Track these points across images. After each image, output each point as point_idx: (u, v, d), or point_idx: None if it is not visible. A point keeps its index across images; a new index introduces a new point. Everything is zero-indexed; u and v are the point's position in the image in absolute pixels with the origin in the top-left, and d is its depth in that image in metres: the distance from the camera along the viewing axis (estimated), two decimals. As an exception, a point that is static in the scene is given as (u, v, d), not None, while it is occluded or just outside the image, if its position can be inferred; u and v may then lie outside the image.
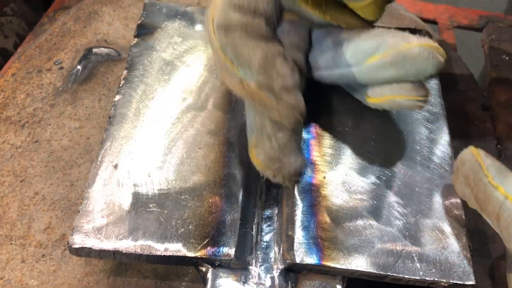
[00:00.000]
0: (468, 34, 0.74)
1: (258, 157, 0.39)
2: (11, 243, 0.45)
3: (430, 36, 0.53)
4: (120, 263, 0.44)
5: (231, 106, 0.45)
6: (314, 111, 0.45)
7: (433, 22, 0.71)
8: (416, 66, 0.36)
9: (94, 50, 0.60)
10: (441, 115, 0.46)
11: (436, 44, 0.36)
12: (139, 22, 0.51)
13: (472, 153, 0.36)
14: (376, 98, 0.39)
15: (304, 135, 0.43)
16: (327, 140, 0.43)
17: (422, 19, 0.69)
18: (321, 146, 0.42)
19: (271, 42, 0.38)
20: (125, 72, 0.47)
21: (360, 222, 0.38)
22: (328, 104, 0.45)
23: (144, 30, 0.50)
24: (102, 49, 0.60)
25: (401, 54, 0.36)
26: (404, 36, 0.37)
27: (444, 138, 0.44)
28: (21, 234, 0.45)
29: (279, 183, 0.39)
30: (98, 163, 0.40)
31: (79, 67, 0.58)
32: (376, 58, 0.37)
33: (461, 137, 0.55)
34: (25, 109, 0.54)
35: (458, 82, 0.61)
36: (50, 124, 0.53)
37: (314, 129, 0.44)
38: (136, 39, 0.49)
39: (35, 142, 0.52)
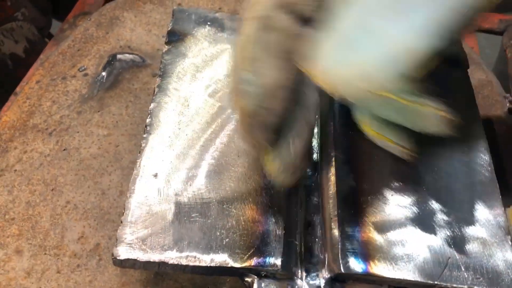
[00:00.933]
0: (480, 36, 0.74)
1: (274, 163, 0.37)
2: (45, 253, 0.44)
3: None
4: (156, 273, 0.43)
5: (266, 113, 0.45)
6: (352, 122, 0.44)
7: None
8: (424, 124, 0.38)
9: (119, 56, 0.60)
10: (477, 120, 0.45)
11: (450, 117, 0.37)
12: (169, 28, 0.50)
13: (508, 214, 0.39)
14: (371, 130, 0.40)
15: (344, 144, 0.43)
16: (368, 148, 0.42)
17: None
18: (362, 154, 0.42)
19: (289, 67, 0.35)
20: (158, 79, 0.46)
21: (404, 230, 0.38)
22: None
23: (175, 37, 0.50)
24: (127, 55, 0.60)
25: (417, 109, 0.37)
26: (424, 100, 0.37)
27: (481, 145, 0.44)
28: (54, 244, 0.45)
29: (285, 185, 0.39)
30: (138, 172, 0.40)
31: (104, 73, 0.58)
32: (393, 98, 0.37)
33: (489, 143, 0.55)
34: (51, 116, 0.54)
35: (483, 87, 0.61)
36: (78, 132, 0.53)
37: (353, 137, 0.43)
38: (167, 46, 0.49)
39: (64, 150, 0.51)
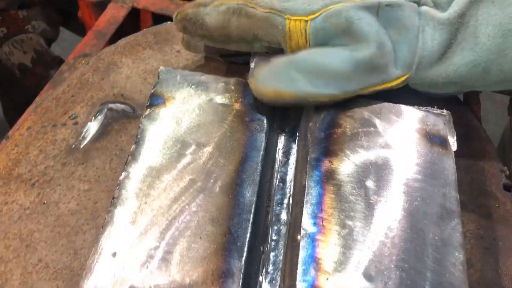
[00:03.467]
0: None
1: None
2: (10, 315, 0.45)
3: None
4: None
5: (237, 189, 0.44)
6: (322, 201, 0.43)
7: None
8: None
9: (110, 105, 0.60)
10: (456, 212, 0.43)
11: None
12: (152, 91, 0.50)
13: None
14: None
15: (310, 228, 0.42)
16: (334, 237, 0.41)
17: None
18: (327, 242, 0.41)
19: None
20: (133, 147, 0.46)
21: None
22: (340, 197, 0.44)
23: (157, 101, 0.50)
24: (118, 104, 0.60)
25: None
26: None
27: (457, 240, 0.42)
28: (21, 304, 0.45)
29: None
30: (98, 249, 0.40)
31: (93, 123, 0.58)
32: None
33: (479, 221, 0.53)
34: (37, 166, 0.55)
35: (480, 158, 0.59)
36: (59, 185, 0.53)
37: (321, 221, 0.42)
38: (148, 109, 0.49)
39: (43, 204, 0.52)
